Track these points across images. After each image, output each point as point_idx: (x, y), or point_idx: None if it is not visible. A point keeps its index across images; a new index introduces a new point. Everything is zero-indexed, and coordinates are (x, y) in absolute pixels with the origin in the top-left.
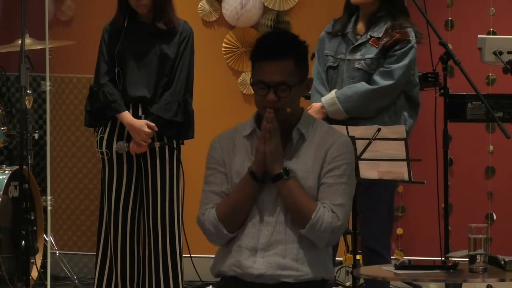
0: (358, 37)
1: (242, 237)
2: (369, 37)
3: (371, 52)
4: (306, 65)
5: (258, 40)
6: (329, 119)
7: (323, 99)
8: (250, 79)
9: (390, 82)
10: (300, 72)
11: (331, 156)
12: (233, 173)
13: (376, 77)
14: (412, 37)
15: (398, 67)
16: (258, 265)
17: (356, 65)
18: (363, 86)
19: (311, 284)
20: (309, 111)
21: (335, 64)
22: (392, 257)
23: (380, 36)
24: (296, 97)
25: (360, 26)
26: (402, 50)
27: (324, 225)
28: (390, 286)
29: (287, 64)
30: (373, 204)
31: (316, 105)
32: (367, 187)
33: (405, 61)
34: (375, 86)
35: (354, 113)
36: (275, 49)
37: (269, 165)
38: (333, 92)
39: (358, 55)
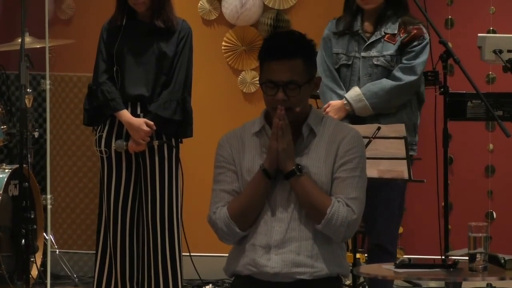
0: (367, 34)
1: (255, 235)
2: (383, 33)
3: (389, 49)
4: (314, 64)
5: (266, 40)
6: (351, 117)
7: (347, 96)
8: (259, 79)
9: (413, 77)
10: (308, 71)
11: (343, 150)
12: (244, 170)
13: (398, 73)
14: (426, 33)
15: (419, 62)
16: (272, 263)
17: (375, 62)
18: (387, 82)
19: (327, 280)
20: (328, 109)
21: (350, 62)
22: None
23: (395, 32)
24: (305, 96)
25: (367, 25)
26: (420, 46)
27: (340, 219)
28: None
29: (295, 64)
30: (386, 202)
31: (337, 102)
32: (379, 185)
33: (424, 57)
34: (400, 82)
35: (379, 110)
36: (283, 49)
37: (282, 162)
38: (357, 89)
39: (374, 52)
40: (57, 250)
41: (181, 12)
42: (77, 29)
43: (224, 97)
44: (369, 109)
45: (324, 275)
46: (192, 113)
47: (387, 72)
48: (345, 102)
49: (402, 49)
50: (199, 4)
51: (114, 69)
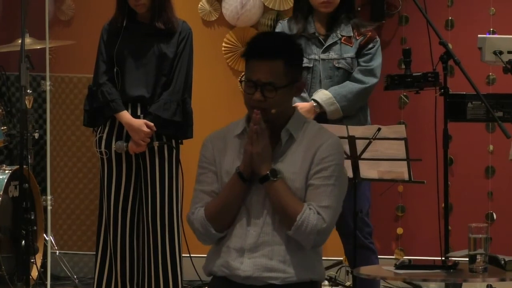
0: (321, 37)
1: (230, 238)
2: (340, 36)
3: (348, 51)
4: (298, 68)
5: (251, 39)
6: (319, 119)
7: (317, 99)
8: (241, 76)
9: (375, 80)
10: (290, 75)
11: (320, 157)
12: (223, 172)
13: (359, 76)
14: (377, 34)
15: (377, 65)
16: (245, 266)
17: (336, 64)
18: (354, 85)
19: (299, 286)
20: None
21: (311, 65)
22: (392, 256)
23: (351, 35)
24: (283, 98)
25: (319, 27)
26: (375, 47)
27: (309, 227)
28: (390, 286)
29: (276, 65)
30: (354, 206)
31: (305, 104)
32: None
33: (380, 59)
34: (366, 85)
35: (346, 112)
36: (265, 49)
37: (256, 166)
38: (326, 92)
39: (333, 55)
40: (57, 251)
41: (181, 13)
42: (77, 30)
43: (224, 98)
44: (340, 112)
45: (295, 281)
46: (192, 114)
47: (347, 75)
48: (315, 104)
49: (359, 52)
50: (199, 5)
51: (115, 70)
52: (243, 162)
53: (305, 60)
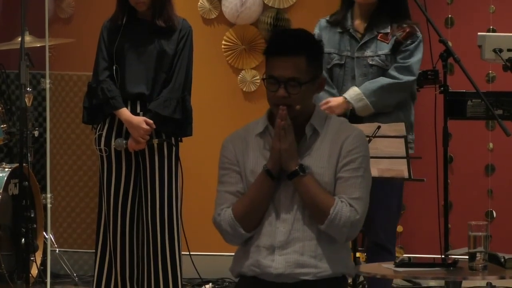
0: (359, 34)
1: (259, 237)
2: (376, 33)
3: (383, 48)
4: (319, 64)
5: (272, 35)
6: (349, 118)
7: (346, 96)
8: (263, 74)
9: (411, 77)
10: (312, 70)
11: (346, 150)
12: (247, 172)
13: (394, 73)
14: (418, 31)
15: (415, 61)
16: (276, 264)
17: (370, 62)
18: (385, 80)
19: (331, 281)
20: (325, 107)
21: (342, 62)
22: None
23: (388, 31)
24: (306, 94)
25: (358, 23)
26: (414, 44)
27: (343, 219)
28: None
29: (298, 61)
30: (384, 201)
31: (337, 99)
32: (377, 184)
33: (419, 55)
34: (398, 81)
35: (378, 108)
36: (287, 45)
37: (285, 162)
38: (356, 88)
39: (368, 52)
40: (57, 249)
41: (181, 11)
42: (77, 28)
43: (224, 96)
44: (370, 108)
45: (328, 275)
46: (192, 112)
47: (382, 71)
48: (344, 100)
49: (396, 48)
50: (199, 3)
51: (114, 67)
52: (271, 159)
53: (336, 57)
